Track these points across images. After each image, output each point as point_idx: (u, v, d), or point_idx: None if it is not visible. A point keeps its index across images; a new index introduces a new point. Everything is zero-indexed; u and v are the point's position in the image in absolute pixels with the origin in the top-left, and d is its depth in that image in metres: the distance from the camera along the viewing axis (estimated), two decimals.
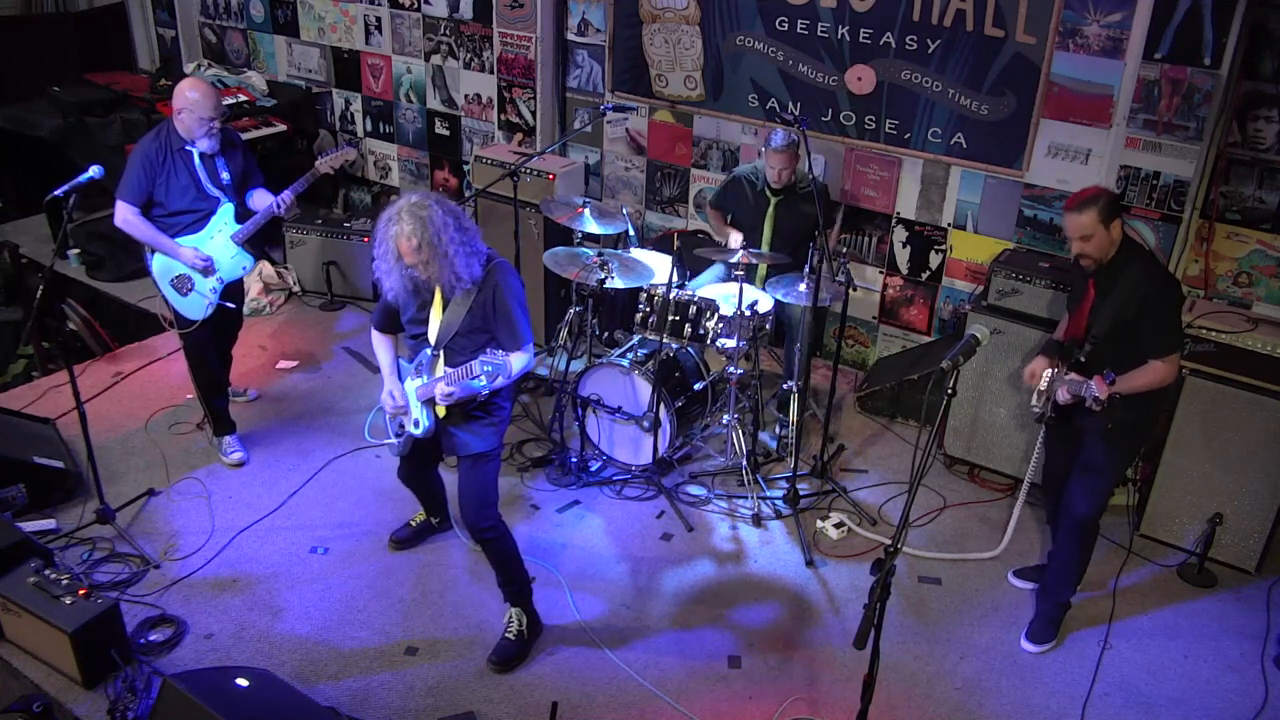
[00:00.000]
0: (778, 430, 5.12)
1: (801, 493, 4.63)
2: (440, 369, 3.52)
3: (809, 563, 4.28)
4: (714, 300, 4.63)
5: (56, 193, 4.04)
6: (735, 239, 4.93)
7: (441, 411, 3.54)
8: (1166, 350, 3.49)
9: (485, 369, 3.23)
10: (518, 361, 3.40)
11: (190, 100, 4.17)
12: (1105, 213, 3.43)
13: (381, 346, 3.74)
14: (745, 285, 4.46)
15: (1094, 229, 3.43)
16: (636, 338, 4.84)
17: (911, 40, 4.96)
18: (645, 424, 4.61)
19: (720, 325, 4.58)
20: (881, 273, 5.53)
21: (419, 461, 3.94)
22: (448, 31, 6.54)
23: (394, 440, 3.78)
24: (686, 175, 6.00)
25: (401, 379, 3.66)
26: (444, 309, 3.46)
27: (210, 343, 4.59)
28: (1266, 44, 4.24)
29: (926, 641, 3.90)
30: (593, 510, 4.60)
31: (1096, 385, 3.44)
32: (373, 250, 3.39)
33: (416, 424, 3.63)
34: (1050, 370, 3.70)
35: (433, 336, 3.50)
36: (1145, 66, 4.46)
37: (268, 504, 4.51)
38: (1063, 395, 3.62)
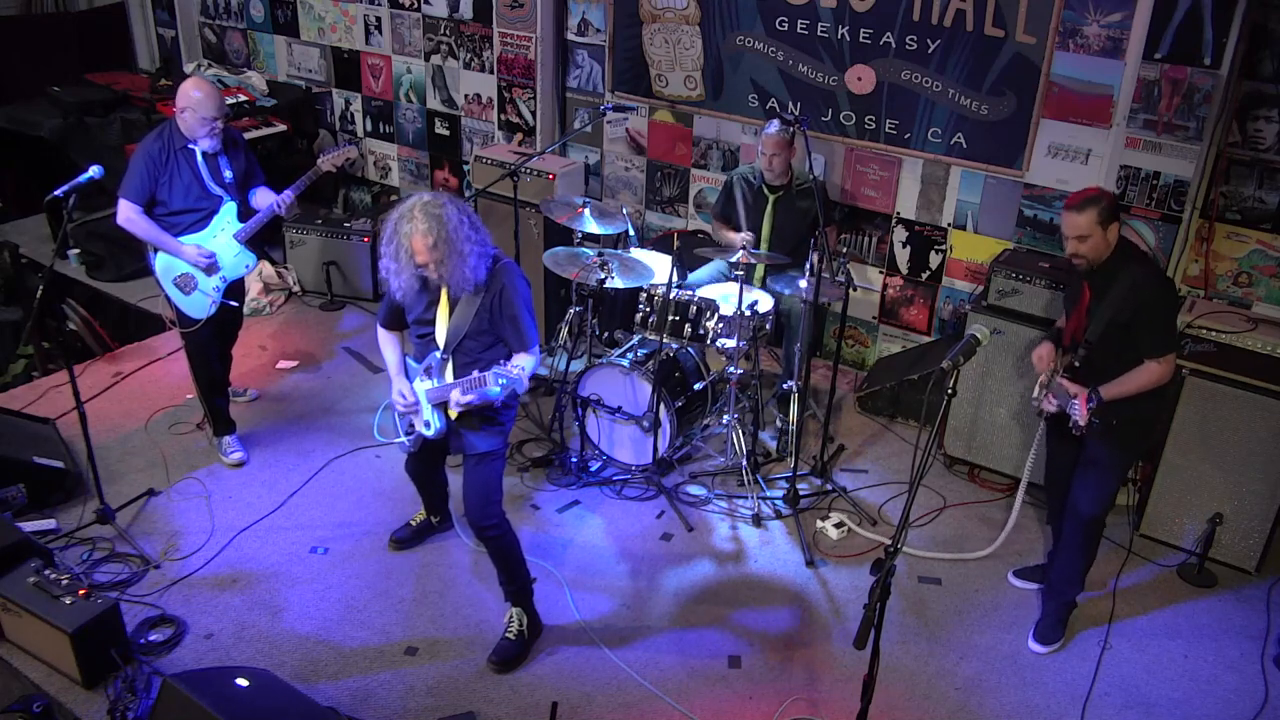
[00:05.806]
0: (778, 422, 5.11)
1: (801, 493, 4.63)
2: (449, 373, 3.52)
3: (809, 563, 4.28)
4: (714, 300, 4.63)
5: (56, 193, 4.04)
6: (737, 237, 4.93)
7: (453, 414, 3.55)
8: (1162, 351, 3.49)
9: (500, 382, 3.24)
10: (527, 365, 3.36)
11: (194, 100, 4.17)
12: (1104, 215, 3.43)
13: (388, 344, 3.75)
14: (745, 285, 4.46)
15: (1091, 230, 3.43)
16: (636, 338, 4.84)
17: (911, 40, 4.96)
18: (645, 424, 4.61)
19: (720, 325, 4.58)
20: (881, 273, 5.54)
21: (426, 460, 3.95)
22: (448, 31, 6.54)
23: (404, 439, 3.78)
24: (686, 175, 6.00)
25: (410, 378, 3.66)
26: (451, 311, 3.46)
27: (212, 342, 4.60)
28: (1266, 44, 4.24)
29: (926, 641, 3.90)
30: (593, 510, 4.60)
31: (1079, 409, 3.43)
32: (380, 249, 3.38)
33: (428, 425, 3.64)
34: (1050, 367, 3.71)
35: (440, 339, 3.50)
36: (1145, 66, 4.46)
37: (268, 504, 4.51)
38: (1049, 405, 3.63)
